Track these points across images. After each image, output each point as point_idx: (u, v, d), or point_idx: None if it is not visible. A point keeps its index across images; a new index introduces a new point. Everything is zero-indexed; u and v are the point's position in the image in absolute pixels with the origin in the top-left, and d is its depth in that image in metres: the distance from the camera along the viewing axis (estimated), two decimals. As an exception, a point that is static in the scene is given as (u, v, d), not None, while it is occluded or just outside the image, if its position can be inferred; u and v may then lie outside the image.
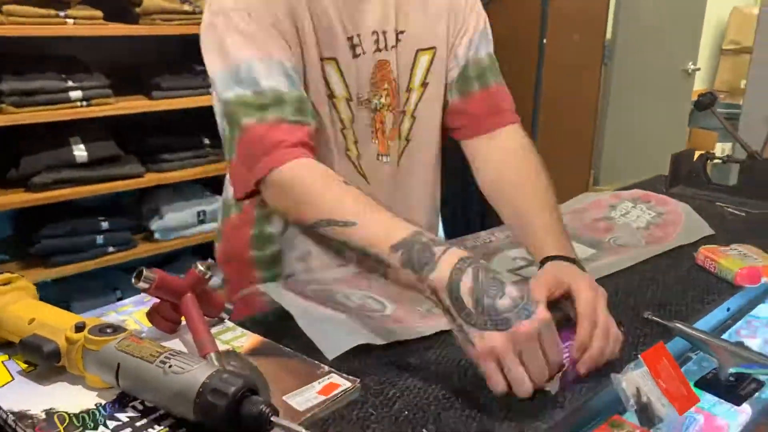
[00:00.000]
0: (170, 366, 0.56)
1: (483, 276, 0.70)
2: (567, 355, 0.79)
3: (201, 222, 2.58)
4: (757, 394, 0.88)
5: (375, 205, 0.81)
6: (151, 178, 2.44)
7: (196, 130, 2.58)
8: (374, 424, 0.72)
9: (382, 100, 1.04)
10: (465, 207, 3.07)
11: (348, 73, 0.99)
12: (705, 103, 1.58)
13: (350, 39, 0.98)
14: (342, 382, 0.63)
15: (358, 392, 0.64)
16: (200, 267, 0.72)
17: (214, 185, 2.71)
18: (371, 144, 1.05)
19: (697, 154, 1.66)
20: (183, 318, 0.73)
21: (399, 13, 1.03)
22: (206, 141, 2.58)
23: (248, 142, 0.89)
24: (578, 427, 0.77)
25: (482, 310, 0.68)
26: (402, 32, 1.03)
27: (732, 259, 1.09)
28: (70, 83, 2.17)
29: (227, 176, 1.15)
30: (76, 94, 2.17)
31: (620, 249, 1.21)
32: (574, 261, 0.90)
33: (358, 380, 0.64)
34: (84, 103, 2.19)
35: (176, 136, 2.53)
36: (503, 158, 1.08)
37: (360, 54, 1.00)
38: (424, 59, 1.07)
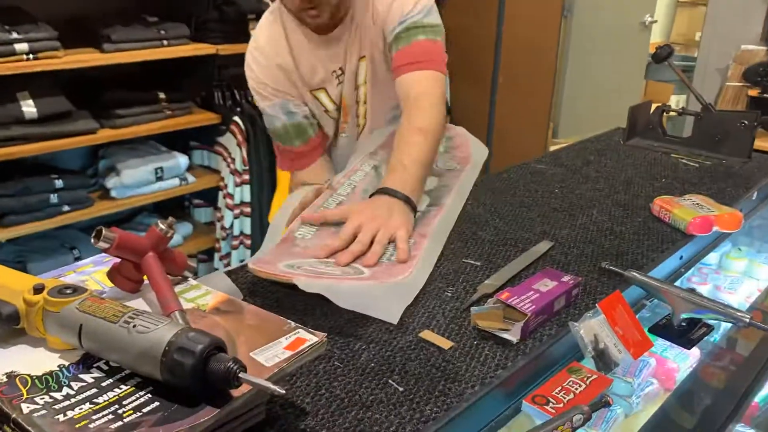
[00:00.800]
0: (134, 326, 0.56)
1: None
2: (532, 306, 0.81)
3: (159, 179, 2.52)
4: (706, 338, 0.92)
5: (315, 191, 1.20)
6: (105, 135, 2.36)
7: (152, 84, 2.50)
8: (342, 377, 0.73)
9: (335, 82, 1.37)
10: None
11: (332, 94, 1.37)
12: (662, 55, 1.60)
13: (334, 72, 1.34)
14: (309, 337, 0.64)
15: (324, 347, 0.64)
16: (161, 225, 0.71)
17: (171, 142, 2.65)
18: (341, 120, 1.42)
19: (653, 106, 1.69)
20: (145, 277, 0.73)
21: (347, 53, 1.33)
22: (162, 96, 2.51)
23: (280, 152, 1.43)
24: (539, 373, 0.80)
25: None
26: (342, 67, 1.34)
27: (685, 209, 1.12)
28: (15, 35, 2.06)
29: None
30: (21, 47, 2.07)
31: (448, 172, 1.30)
32: (395, 194, 1.09)
33: (325, 335, 0.64)
34: (30, 56, 2.10)
35: (131, 91, 2.45)
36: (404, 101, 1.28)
37: (341, 82, 1.35)
38: (363, 64, 1.34)
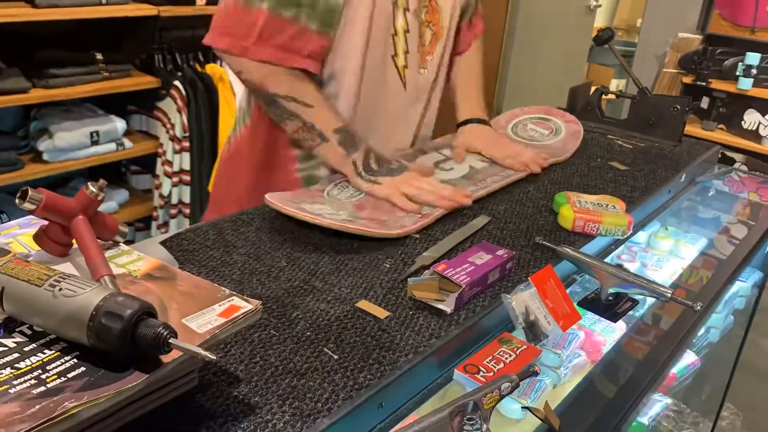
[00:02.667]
0: (60, 289, 0.54)
1: (376, 153, 1.14)
2: (467, 278, 0.83)
3: (94, 143, 2.44)
4: (631, 312, 0.96)
5: (327, 100, 1.13)
6: (37, 95, 2.26)
7: (89, 45, 2.40)
8: (277, 345, 0.73)
9: (425, 16, 1.19)
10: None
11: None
12: (603, 38, 1.63)
13: None
14: (243, 305, 0.63)
15: (259, 314, 0.64)
16: (92, 188, 0.69)
17: (108, 105, 2.56)
18: (416, 56, 1.21)
19: (593, 88, 1.73)
20: (74, 241, 0.70)
21: None
22: (99, 57, 2.41)
23: (274, 28, 1.04)
24: (472, 343, 0.82)
25: (384, 170, 1.12)
26: None
27: (568, 209, 1.07)
28: (-63, -16, 1.94)
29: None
30: (-56, -2, 1.96)
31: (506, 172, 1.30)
32: (479, 121, 1.34)
33: (260, 302, 0.64)
34: (-46, 8, 1.98)
35: (66, 50, 2.34)
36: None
37: None
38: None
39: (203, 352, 0.53)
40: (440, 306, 0.81)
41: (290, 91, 1.09)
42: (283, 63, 1.06)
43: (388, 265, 0.91)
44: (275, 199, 0.98)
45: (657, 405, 1.22)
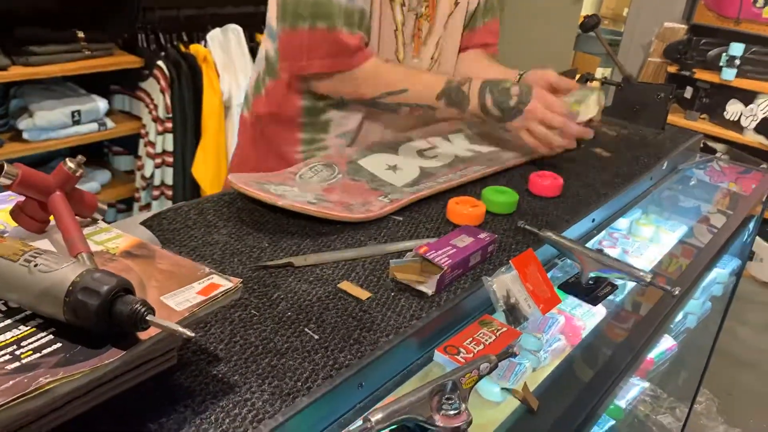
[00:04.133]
0: (36, 265, 0.53)
1: (495, 90, 1.16)
2: (448, 261, 0.83)
3: (76, 123, 2.41)
4: (611, 297, 0.97)
5: (416, 72, 1.22)
6: (17, 72, 2.22)
7: (71, 22, 2.36)
8: (257, 325, 0.73)
9: (423, 9, 1.23)
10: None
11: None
12: (590, 24, 1.63)
13: None
14: (223, 283, 0.63)
15: (239, 293, 0.64)
16: (70, 163, 0.68)
17: (90, 84, 2.52)
18: (410, 46, 1.25)
19: (578, 75, 1.73)
20: (52, 218, 0.69)
21: None
22: (81, 35, 2.37)
23: (322, 40, 1.11)
24: (452, 325, 0.82)
25: (504, 112, 1.17)
26: None
27: None
28: None
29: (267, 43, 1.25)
30: None
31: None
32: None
33: (240, 280, 0.64)
34: (-69, -19, 1.94)
35: (47, 28, 2.30)
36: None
37: None
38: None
39: (181, 329, 0.52)
40: (422, 288, 0.81)
41: (381, 89, 1.17)
42: (352, 66, 1.14)
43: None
44: (239, 181, 0.96)
45: (634, 389, 1.24)
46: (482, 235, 0.91)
